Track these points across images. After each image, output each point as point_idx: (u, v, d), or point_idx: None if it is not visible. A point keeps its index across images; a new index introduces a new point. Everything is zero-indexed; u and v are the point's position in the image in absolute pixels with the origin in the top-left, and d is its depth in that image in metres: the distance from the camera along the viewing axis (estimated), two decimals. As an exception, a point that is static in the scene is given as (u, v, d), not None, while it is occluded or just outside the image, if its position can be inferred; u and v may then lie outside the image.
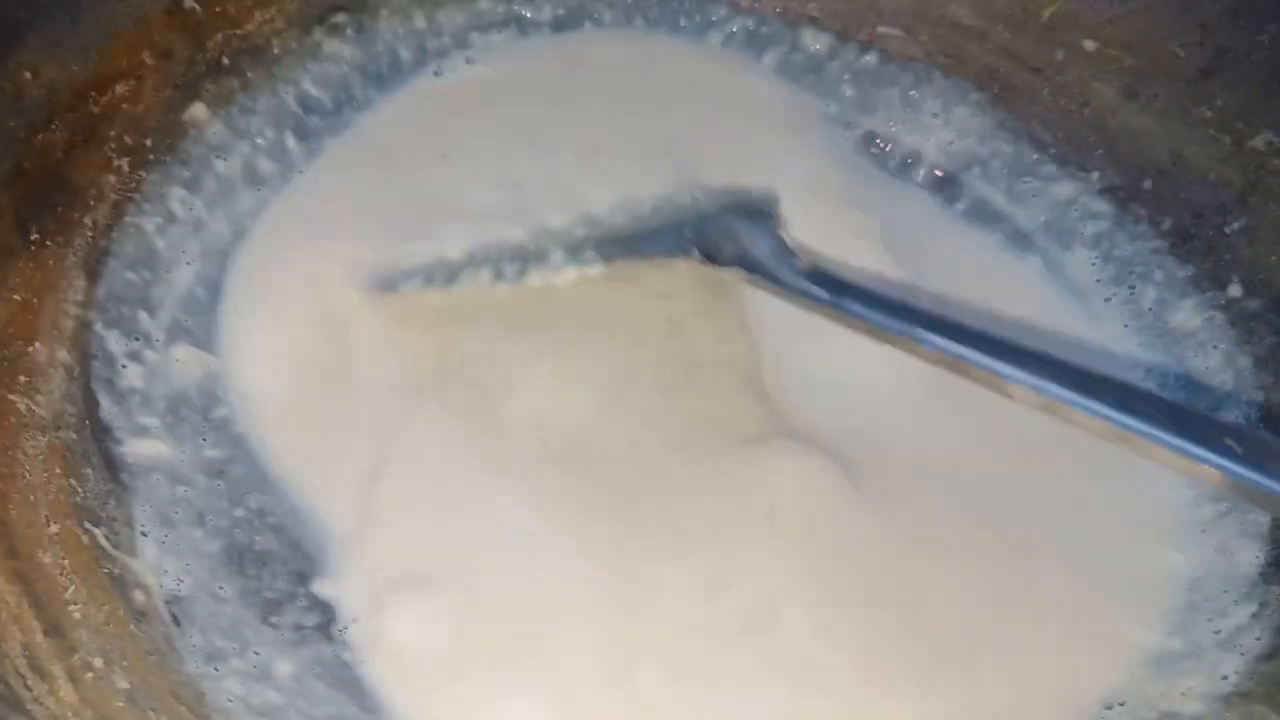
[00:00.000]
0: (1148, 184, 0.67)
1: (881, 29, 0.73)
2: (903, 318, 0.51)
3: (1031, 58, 0.71)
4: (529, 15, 0.73)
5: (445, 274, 0.59)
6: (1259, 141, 0.63)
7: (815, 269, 0.55)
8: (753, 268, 0.56)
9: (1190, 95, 0.65)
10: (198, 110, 0.63)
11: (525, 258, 0.59)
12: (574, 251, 0.59)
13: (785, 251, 0.57)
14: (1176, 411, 0.46)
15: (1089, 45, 0.69)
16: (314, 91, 0.67)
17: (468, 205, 0.62)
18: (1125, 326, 0.64)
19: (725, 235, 0.58)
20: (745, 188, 0.64)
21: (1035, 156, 0.70)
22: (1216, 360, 0.61)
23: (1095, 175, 0.69)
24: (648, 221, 0.62)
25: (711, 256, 0.57)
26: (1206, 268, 0.64)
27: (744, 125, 0.69)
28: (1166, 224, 0.66)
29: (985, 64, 0.72)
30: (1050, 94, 0.70)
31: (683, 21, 0.74)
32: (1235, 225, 0.63)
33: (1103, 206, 0.68)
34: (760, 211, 0.61)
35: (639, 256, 0.59)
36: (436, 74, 0.70)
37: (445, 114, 0.68)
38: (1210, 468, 0.43)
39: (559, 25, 0.73)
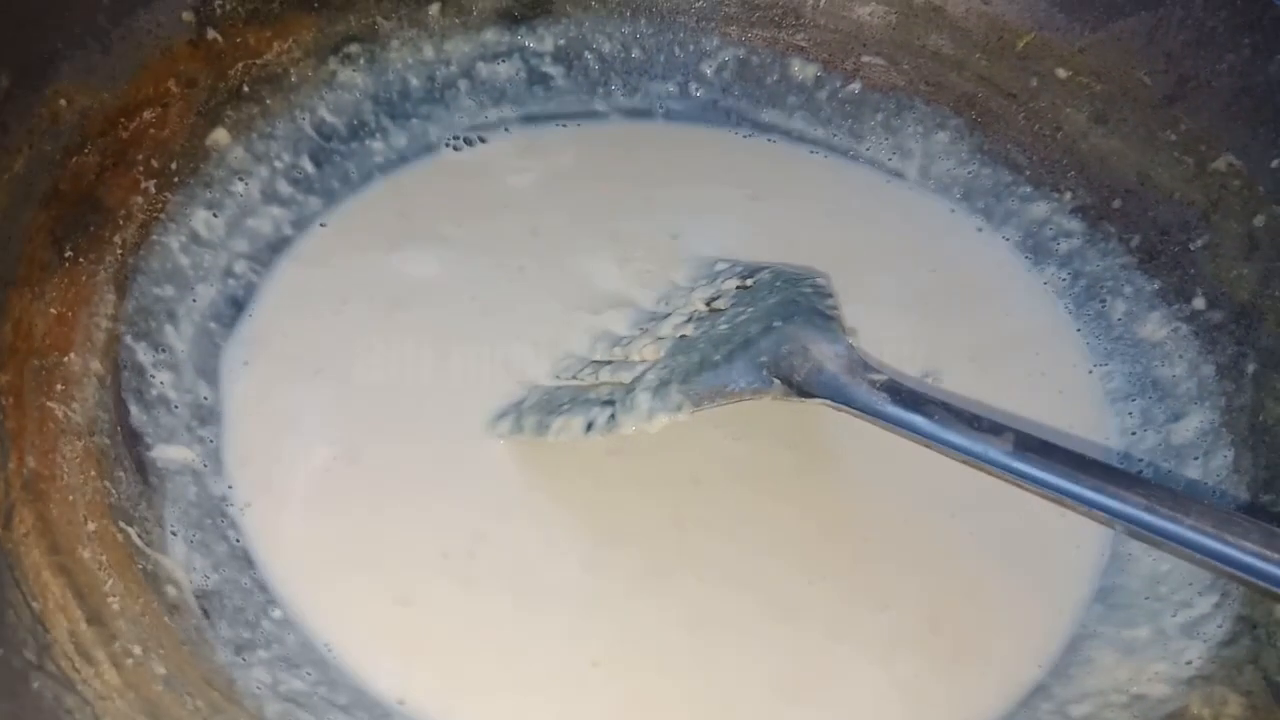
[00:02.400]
0: (1117, 203, 0.69)
1: (865, 59, 0.77)
2: (984, 440, 0.50)
3: (1007, 85, 0.74)
4: (531, 46, 0.76)
5: (535, 423, 0.58)
6: (1221, 163, 0.65)
7: (890, 384, 0.53)
8: (832, 392, 0.54)
9: (1156, 120, 0.68)
10: (220, 135, 0.66)
11: (613, 402, 0.57)
12: (660, 394, 0.55)
13: (858, 366, 0.55)
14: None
15: (1061, 73, 0.72)
16: (329, 118, 0.70)
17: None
18: (1096, 338, 0.67)
19: (797, 352, 0.56)
20: (789, 264, 0.64)
21: (1011, 178, 0.73)
22: (1182, 369, 0.64)
23: (1068, 196, 0.71)
24: (713, 331, 0.59)
25: (788, 379, 0.54)
26: (1172, 282, 0.66)
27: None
28: (1135, 241, 0.68)
29: (964, 91, 0.75)
30: (1025, 119, 0.73)
31: (678, 52, 0.77)
32: (1199, 242, 0.65)
33: (1075, 225, 0.71)
34: (822, 314, 0.58)
35: (726, 397, 0.55)
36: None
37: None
38: None
39: (559, 56, 0.76)
